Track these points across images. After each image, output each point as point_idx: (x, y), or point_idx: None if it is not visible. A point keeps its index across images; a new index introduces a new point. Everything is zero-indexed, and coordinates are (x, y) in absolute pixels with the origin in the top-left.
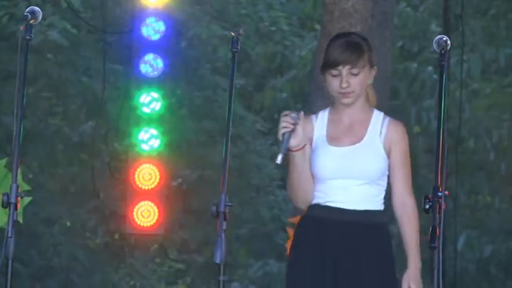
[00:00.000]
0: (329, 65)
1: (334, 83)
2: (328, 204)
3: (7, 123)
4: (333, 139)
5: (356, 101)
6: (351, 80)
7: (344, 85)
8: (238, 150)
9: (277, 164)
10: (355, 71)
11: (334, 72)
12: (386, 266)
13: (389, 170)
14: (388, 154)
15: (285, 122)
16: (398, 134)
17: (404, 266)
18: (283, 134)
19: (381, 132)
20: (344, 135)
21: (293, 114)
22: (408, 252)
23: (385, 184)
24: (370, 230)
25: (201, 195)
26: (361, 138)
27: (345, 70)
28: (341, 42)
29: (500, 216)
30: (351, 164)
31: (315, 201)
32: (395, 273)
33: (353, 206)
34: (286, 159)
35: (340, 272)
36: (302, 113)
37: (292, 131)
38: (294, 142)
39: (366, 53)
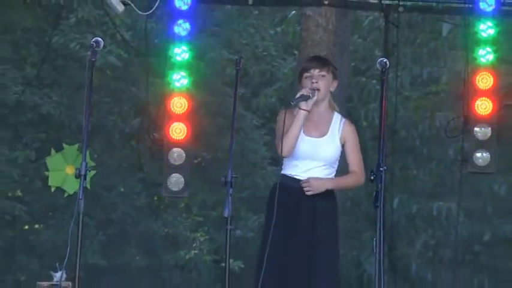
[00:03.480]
0: (304, 69)
1: (307, 83)
2: (295, 176)
3: (79, 120)
4: (306, 130)
5: (321, 102)
6: (319, 80)
7: (314, 81)
8: (240, 138)
9: (291, 101)
10: (322, 73)
11: (307, 74)
12: (333, 220)
13: (346, 156)
14: (343, 145)
15: (306, 90)
16: (351, 131)
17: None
18: (302, 94)
19: (339, 129)
20: (313, 128)
21: (312, 93)
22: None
23: (336, 167)
24: (323, 196)
25: (214, 169)
26: (325, 133)
27: (315, 72)
28: (313, 56)
29: (423, 184)
30: (317, 151)
31: (286, 172)
32: (338, 225)
33: None
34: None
35: (303, 223)
36: (315, 97)
37: (307, 97)
38: (304, 105)
39: (330, 66)
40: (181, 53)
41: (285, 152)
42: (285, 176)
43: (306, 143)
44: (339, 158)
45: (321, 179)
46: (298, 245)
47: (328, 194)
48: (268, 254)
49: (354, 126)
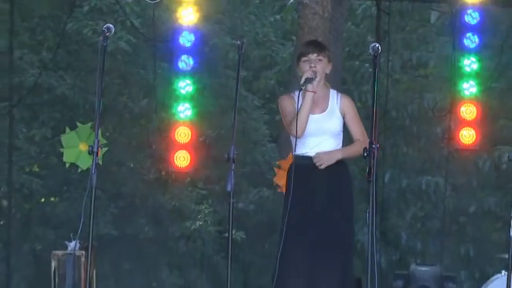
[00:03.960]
0: (302, 53)
1: (305, 66)
2: (306, 154)
3: (92, 100)
4: None
5: (318, 83)
6: (317, 64)
7: (312, 65)
8: (242, 117)
9: (300, 86)
10: (319, 57)
11: (305, 58)
12: (348, 189)
13: (348, 127)
14: (343, 117)
15: (309, 73)
16: (348, 103)
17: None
18: (307, 78)
19: (337, 102)
20: (314, 107)
21: (315, 74)
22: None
23: (341, 137)
24: (335, 167)
25: (218, 146)
26: (325, 109)
27: (313, 56)
28: (310, 41)
29: (413, 160)
30: (322, 126)
31: (298, 152)
32: (353, 193)
33: None
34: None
35: (320, 195)
36: (318, 78)
37: (311, 80)
38: (311, 87)
39: (326, 51)
40: (185, 86)
41: (299, 133)
42: (297, 156)
43: (311, 121)
44: (342, 129)
45: (330, 151)
46: (316, 216)
47: (340, 164)
48: (288, 229)
49: (351, 98)
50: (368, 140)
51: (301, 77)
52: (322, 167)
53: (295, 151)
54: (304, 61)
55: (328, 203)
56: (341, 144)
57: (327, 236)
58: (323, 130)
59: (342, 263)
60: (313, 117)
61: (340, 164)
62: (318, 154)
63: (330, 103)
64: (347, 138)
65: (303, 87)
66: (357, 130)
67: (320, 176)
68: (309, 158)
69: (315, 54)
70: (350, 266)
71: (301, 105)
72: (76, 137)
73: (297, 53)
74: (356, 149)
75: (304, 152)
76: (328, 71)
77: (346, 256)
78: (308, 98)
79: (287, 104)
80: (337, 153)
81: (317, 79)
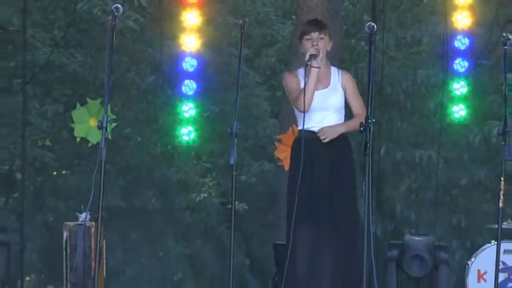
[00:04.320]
0: (305, 32)
1: (307, 44)
2: (311, 129)
3: (101, 77)
4: None
5: (321, 61)
6: (318, 42)
7: (315, 43)
8: (244, 93)
9: (306, 62)
10: (321, 35)
11: (308, 37)
12: (350, 161)
13: (348, 101)
14: (345, 92)
15: (312, 49)
16: (349, 79)
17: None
18: (311, 54)
19: (338, 79)
20: (317, 82)
21: (318, 52)
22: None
23: (343, 113)
24: (337, 140)
25: (221, 122)
26: (328, 85)
27: (315, 35)
28: (312, 20)
29: (406, 134)
30: (325, 101)
31: (302, 127)
32: (354, 164)
33: None
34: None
35: (323, 167)
36: (321, 55)
37: (315, 56)
38: (315, 63)
39: (327, 29)
40: (188, 110)
41: (307, 107)
42: (303, 131)
43: (315, 96)
44: (344, 105)
45: (333, 125)
46: (321, 186)
47: (343, 138)
48: (295, 201)
49: (351, 74)
50: (363, 113)
51: (304, 55)
52: (326, 140)
53: (302, 126)
54: (307, 39)
55: (331, 175)
56: (343, 119)
57: (331, 207)
58: (327, 105)
59: (347, 234)
60: (318, 93)
61: (343, 137)
62: (321, 128)
63: (332, 79)
64: (348, 114)
65: (309, 63)
66: (357, 104)
67: (323, 149)
68: (313, 133)
69: (317, 33)
70: (355, 238)
71: (307, 81)
72: (86, 112)
73: (297, 31)
74: (357, 123)
75: (309, 126)
76: (329, 48)
77: (351, 226)
78: (313, 74)
79: (291, 81)
80: (340, 127)
81: (320, 56)
